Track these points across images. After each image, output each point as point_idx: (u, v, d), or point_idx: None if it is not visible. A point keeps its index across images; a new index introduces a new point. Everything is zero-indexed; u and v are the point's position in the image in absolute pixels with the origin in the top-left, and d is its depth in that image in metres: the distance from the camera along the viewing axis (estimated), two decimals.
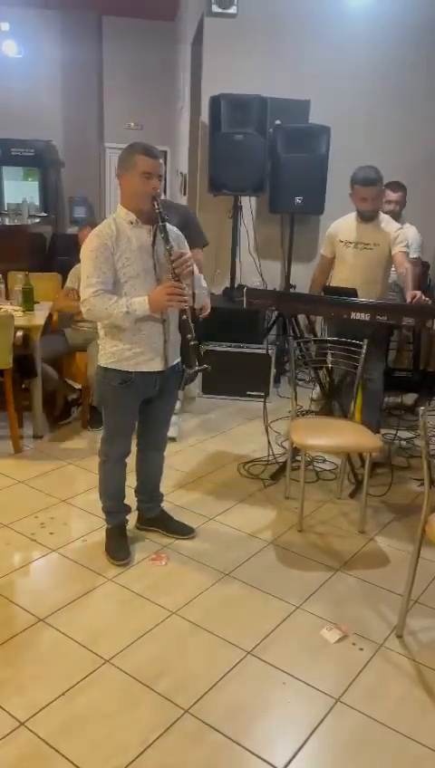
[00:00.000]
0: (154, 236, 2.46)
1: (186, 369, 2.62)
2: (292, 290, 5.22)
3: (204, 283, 2.64)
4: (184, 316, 2.43)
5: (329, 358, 3.44)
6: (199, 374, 2.59)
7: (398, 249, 3.58)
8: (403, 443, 4.02)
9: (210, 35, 5.19)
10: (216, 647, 2.23)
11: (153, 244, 2.46)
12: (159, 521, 2.95)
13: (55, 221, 8.79)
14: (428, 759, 1.82)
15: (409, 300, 3.32)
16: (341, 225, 3.78)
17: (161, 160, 2.43)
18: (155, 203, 2.39)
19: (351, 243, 3.70)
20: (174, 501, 3.20)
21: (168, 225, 2.45)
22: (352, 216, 3.72)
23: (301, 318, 5.09)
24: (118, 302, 2.39)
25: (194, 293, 2.51)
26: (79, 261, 2.52)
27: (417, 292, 3.32)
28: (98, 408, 3.01)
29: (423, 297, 3.29)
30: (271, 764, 1.78)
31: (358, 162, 3.62)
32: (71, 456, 3.69)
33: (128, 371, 2.52)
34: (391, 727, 1.92)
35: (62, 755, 1.77)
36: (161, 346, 2.54)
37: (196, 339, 2.44)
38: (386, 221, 3.67)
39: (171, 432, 3.04)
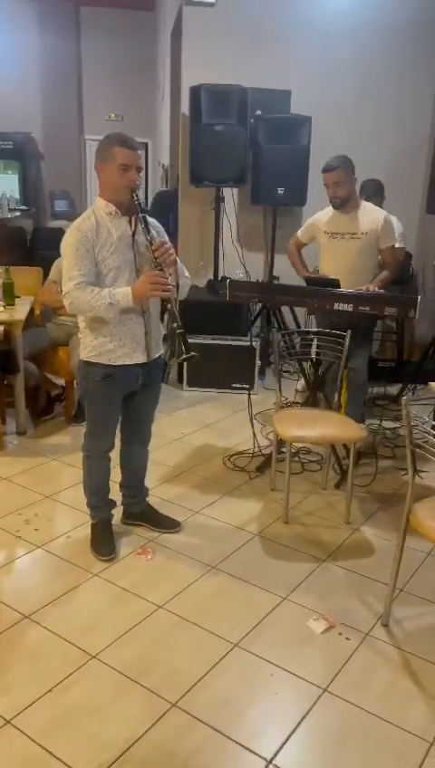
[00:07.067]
0: (134, 228, 2.44)
1: (172, 358, 2.60)
2: (275, 281, 5.21)
3: (187, 273, 2.62)
4: (169, 305, 2.41)
5: (313, 349, 3.44)
6: (185, 366, 2.57)
7: (385, 244, 3.63)
8: (388, 433, 4.04)
9: (189, 25, 5.13)
10: (203, 640, 2.23)
11: (133, 235, 2.44)
12: (144, 515, 2.94)
13: (36, 214, 8.69)
14: (415, 746, 1.84)
15: (363, 289, 3.43)
16: (322, 215, 3.80)
17: (140, 152, 2.40)
18: (134, 195, 2.37)
19: (327, 233, 3.72)
20: (160, 495, 3.19)
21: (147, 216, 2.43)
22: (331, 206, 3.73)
23: (285, 309, 5.10)
24: (101, 293, 2.36)
25: (178, 284, 2.49)
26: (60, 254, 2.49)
27: (371, 285, 3.47)
28: (81, 402, 2.98)
29: (376, 290, 3.44)
30: (259, 755, 1.79)
31: (339, 152, 3.61)
32: (55, 451, 3.67)
33: (110, 365, 2.50)
34: (379, 716, 1.93)
35: (50, 753, 1.76)
36: (143, 338, 2.53)
37: (182, 327, 2.42)
38: (368, 210, 3.67)
39: None
